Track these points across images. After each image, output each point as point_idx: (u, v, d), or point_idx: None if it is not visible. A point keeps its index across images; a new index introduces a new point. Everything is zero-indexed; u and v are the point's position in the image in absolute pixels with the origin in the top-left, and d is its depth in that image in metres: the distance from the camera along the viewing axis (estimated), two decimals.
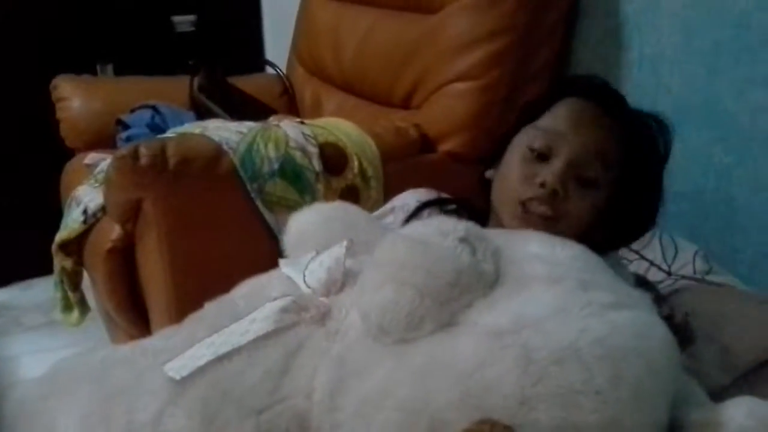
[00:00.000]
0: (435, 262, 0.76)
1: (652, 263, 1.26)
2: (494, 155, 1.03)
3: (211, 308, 0.96)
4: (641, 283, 1.04)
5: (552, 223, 0.92)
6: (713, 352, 1.00)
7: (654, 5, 1.49)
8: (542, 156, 0.94)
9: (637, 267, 1.26)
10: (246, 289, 0.96)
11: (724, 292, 1.11)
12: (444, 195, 1.13)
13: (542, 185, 0.92)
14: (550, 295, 0.75)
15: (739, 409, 0.74)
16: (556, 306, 0.74)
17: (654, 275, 1.23)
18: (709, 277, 1.20)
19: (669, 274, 1.23)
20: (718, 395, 0.91)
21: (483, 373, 0.70)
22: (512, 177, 0.95)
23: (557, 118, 0.96)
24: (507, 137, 1.01)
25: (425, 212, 1.08)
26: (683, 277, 1.19)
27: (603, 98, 0.97)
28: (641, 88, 1.53)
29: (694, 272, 1.22)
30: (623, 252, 1.30)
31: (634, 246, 1.29)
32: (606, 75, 1.59)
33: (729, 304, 1.08)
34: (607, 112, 0.95)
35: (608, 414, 0.68)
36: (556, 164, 0.92)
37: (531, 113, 1.00)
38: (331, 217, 1.02)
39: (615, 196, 0.95)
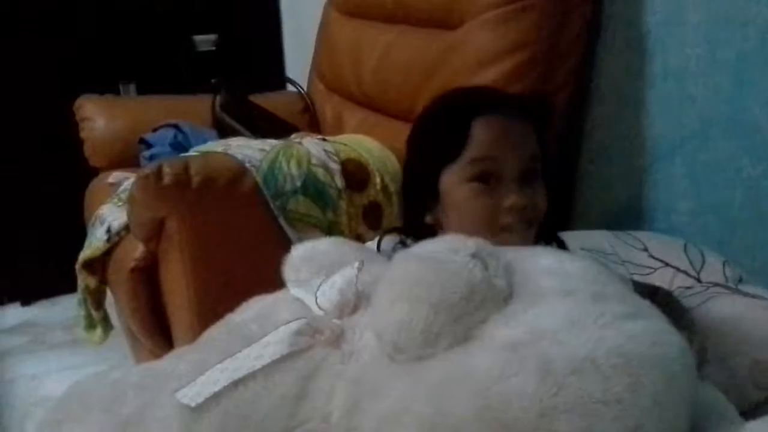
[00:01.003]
0: (448, 279, 0.76)
1: (678, 270, 1.24)
2: (420, 199, 1.05)
3: (220, 332, 0.96)
4: (652, 293, 1.03)
5: (532, 228, 1.00)
6: (745, 367, 0.98)
7: (677, 17, 1.47)
8: (489, 181, 0.99)
9: (662, 275, 1.24)
10: (253, 311, 0.95)
11: (758, 304, 1.08)
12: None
13: (512, 208, 0.97)
14: (564, 307, 0.76)
15: None
16: (571, 317, 0.74)
17: (682, 281, 1.21)
18: (741, 286, 1.17)
19: (698, 281, 1.21)
20: (751, 412, 0.89)
21: (501, 385, 0.70)
22: (477, 212, 0.99)
23: (483, 146, 0.99)
24: (426, 179, 1.03)
25: (384, 240, 1.12)
26: (715, 284, 1.17)
27: (500, 107, 1.03)
28: (666, 99, 1.52)
29: (726, 280, 1.20)
30: (644, 260, 1.29)
31: (657, 255, 1.27)
32: (631, 86, 1.58)
33: (761, 316, 1.05)
34: (512, 117, 1.01)
35: (629, 422, 0.68)
36: (511, 187, 0.98)
37: (444, 151, 1.02)
38: (341, 242, 1.04)
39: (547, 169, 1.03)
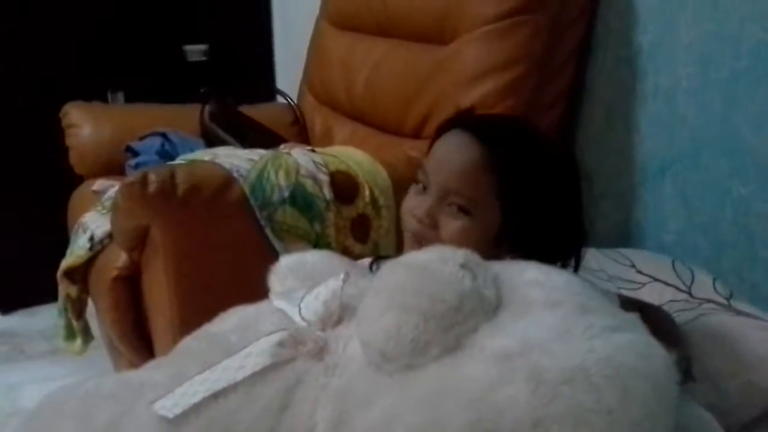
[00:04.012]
0: (438, 287, 0.75)
1: (666, 284, 1.23)
2: None
3: (198, 343, 0.94)
4: (640, 308, 1.01)
5: (420, 245, 0.96)
6: (738, 388, 0.97)
7: (669, 36, 1.47)
8: (426, 188, 1.00)
9: (650, 290, 1.23)
10: (233, 322, 0.94)
11: (752, 323, 1.07)
12: None
13: (413, 215, 0.99)
14: (552, 318, 0.75)
15: None
16: (560, 328, 0.74)
17: (672, 296, 1.20)
18: (733, 303, 1.16)
19: (690, 294, 1.20)
20: None
21: (494, 396, 0.69)
22: (402, 210, 1.03)
23: (435, 152, 1.02)
24: None
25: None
26: (708, 300, 1.16)
27: (476, 127, 1.01)
28: (657, 118, 1.51)
29: (718, 295, 1.19)
30: (631, 275, 1.28)
31: (645, 270, 1.26)
32: (621, 105, 1.58)
33: (755, 337, 1.04)
34: (479, 139, 0.98)
35: None
36: (428, 196, 0.98)
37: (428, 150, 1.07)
38: (330, 254, 1.05)
39: (508, 213, 0.97)
